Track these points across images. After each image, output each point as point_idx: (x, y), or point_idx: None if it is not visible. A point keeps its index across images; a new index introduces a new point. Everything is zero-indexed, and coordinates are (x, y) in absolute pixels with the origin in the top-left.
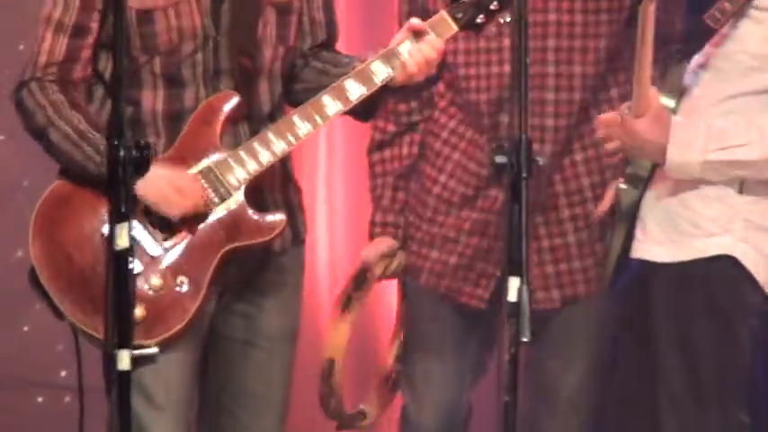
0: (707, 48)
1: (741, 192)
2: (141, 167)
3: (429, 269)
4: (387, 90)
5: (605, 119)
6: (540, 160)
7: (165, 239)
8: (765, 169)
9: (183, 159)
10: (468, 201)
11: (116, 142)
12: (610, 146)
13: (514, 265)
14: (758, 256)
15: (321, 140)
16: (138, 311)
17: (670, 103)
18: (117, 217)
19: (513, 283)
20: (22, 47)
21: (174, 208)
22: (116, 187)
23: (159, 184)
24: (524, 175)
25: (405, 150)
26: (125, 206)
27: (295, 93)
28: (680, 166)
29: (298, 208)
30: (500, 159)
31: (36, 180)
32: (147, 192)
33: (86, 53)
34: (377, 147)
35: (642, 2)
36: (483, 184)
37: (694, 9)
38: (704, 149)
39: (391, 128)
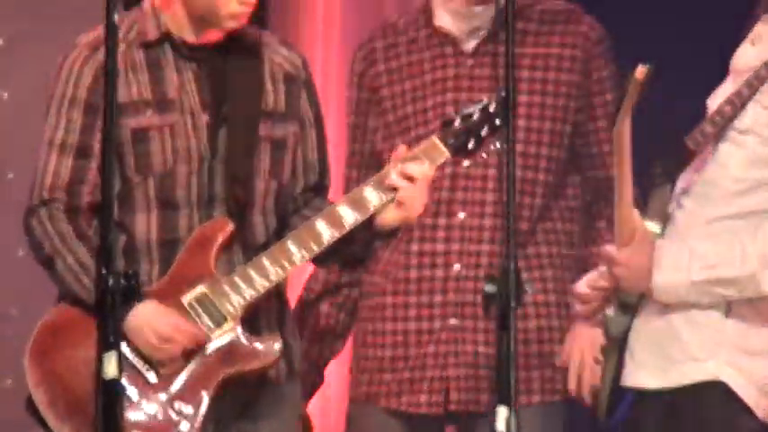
0: (689, 171)
1: (727, 316)
2: (129, 297)
3: (386, 391)
4: (376, 237)
5: (582, 292)
6: (529, 289)
7: (162, 366)
8: (749, 286)
9: (178, 287)
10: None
11: (104, 271)
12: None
13: (503, 395)
14: (747, 381)
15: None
16: None
17: (656, 228)
18: (105, 346)
19: (502, 413)
20: (11, 175)
21: (161, 354)
22: (104, 317)
23: (146, 335)
24: (513, 304)
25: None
26: (113, 336)
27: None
28: (667, 290)
29: (293, 344)
30: (489, 289)
31: (24, 310)
32: (135, 339)
33: (92, 175)
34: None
35: (615, 126)
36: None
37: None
38: (689, 270)
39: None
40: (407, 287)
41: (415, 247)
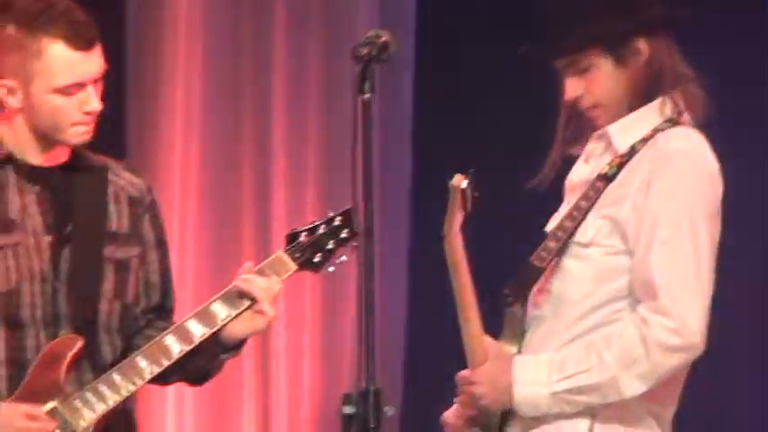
0: (536, 291)
1: (592, 425)
2: None
3: None
4: (223, 350)
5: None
6: (389, 411)
7: None
8: (610, 392)
9: (30, 403)
10: None
11: None
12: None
13: None
14: None
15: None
16: None
17: (512, 349)
18: None
19: None
20: None
21: None
22: None
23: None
24: (372, 425)
25: None
26: None
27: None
28: (528, 403)
29: None
30: (348, 410)
31: None
32: None
33: None
34: None
35: (445, 239)
36: None
37: None
38: (549, 382)
39: None
40: None
41: None
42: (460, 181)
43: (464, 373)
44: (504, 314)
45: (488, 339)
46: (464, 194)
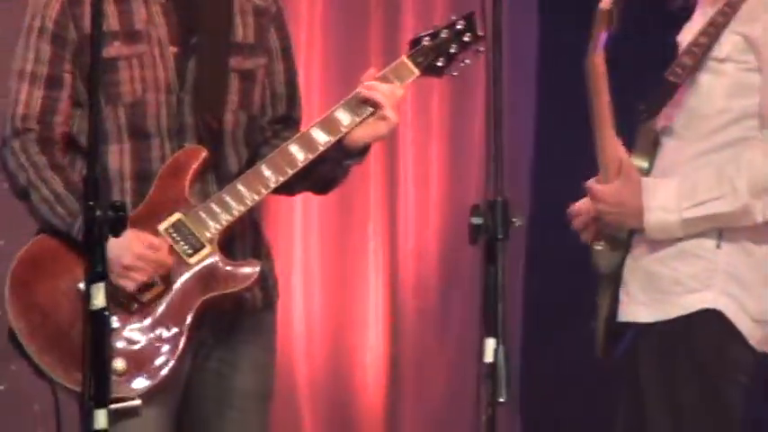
0: (669, 107)
1: (719, 246)
2: (117, 228)
3: None
4: (347, 156)
5: (574, 209)
6: (517, 221)
7: (141, 293)
8: (742, 218)
9: (154, 215)
10: None
11: (91, 203)
12: (584, 237)
13: (490, 326)
14: (741, 310)
15: (297, 202)
16: (120, 365)
17: (643, 164)
18: (93, 277)
19: (490, 344)
20: None
21: (126, 282)
22: (92, 248)
23: (111, 265)
24: (500, 236)
25: None
26: (101, 266)
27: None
28: (661, 230)
29: (269, 272)
30: (476, 220)
31: (12, 241)
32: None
33: (64, 106)
34: None
35: (587, 57)
36: None
37: None
38: (679, 208)
39: None
40: None
41: None
42: (607, 4)
43: (595, 186)
44: (637, 130)
45: (623, 153)
46: (610, 15)
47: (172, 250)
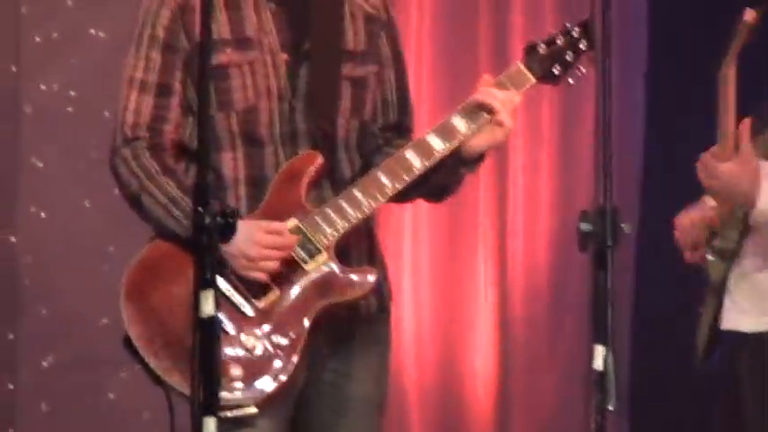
0: None
1: None
2: (226, 234)
3: None
4: (463, 164)
5: (680, 223)
6: (626, 228)
7: (258, 299)
8: None
9: (271, 220)
10: None
11: (201, 209)
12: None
13: (600, 333)
14: None
15: (407, 208)
16: (236, 372)
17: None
18: (202, 284)
19: (599, 351)
20: (107, 113)
21: (254, 273)
22: (201, 254)
23: (237, 261)
24: (609, 243)
25: None
26: (210, 273)
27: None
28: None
29: (383, 279)
30: (585, 227)
31: (122, 247)
32: (231, 264)
33: (174, 114)
34: None
35: (720, 68)
36: None
37: None
38: None
39: None
40: None
41: None
42: (753, 17)
43: (709, 161)
44: (755, 140)
45: (745, 138)
46: (751, 30)
47: (289, 257)
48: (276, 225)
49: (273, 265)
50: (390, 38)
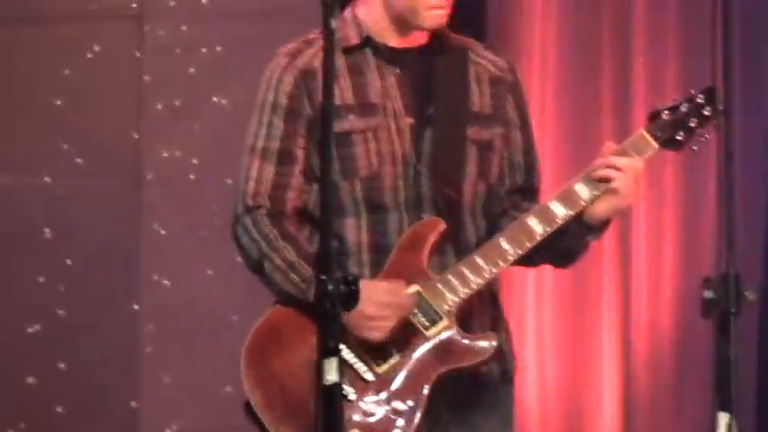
0: None
1: None
2: (349, 302)
3: None
4: (588, 231)
5: None
6: (749, 296)
7: (378, 364)
8: None
9: None
10: None
11: (324, 276)
12: None
13: (724, 401)
14: None
15: (530, 274)
16: None
17: None
18: (325, 352)
19: (723, 419)
20: (229, 180)
21: (374, 335)
22: (324, 322)
23: (357, 323)
24: (733, 310)
25: None
26: (333, 341)
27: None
28: None
29: (506, 345)
30: (708, 294)
31: (244, 315)
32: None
33: (296, 181)
34: None
35: None
36: None
37: None
38: None
39: None
40: None
41: None
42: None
43: None
44: None
45: None
46: None
47: (409, 322)
48: (394, 285)
49: (391, 324)
50: (517, 99)
